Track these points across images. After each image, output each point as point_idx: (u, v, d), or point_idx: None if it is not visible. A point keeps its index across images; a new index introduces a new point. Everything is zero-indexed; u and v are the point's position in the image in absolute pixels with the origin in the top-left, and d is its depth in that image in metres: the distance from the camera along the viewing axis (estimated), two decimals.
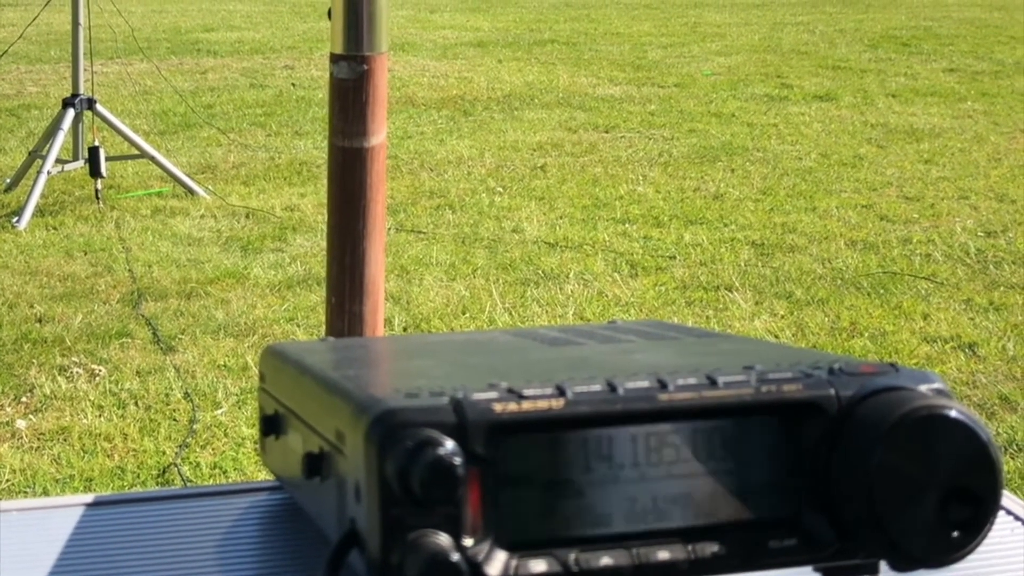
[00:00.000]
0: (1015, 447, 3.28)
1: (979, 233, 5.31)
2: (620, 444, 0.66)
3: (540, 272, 4.74)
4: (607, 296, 4.48)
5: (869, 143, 7.25)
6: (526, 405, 0.65)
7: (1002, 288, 4.58)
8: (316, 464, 0.73)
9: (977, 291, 4.54)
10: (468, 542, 0.63)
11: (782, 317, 4.27)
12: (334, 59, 1.43)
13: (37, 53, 10.57)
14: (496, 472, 0.64)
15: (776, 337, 4.08)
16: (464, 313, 4.29)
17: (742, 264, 4.86)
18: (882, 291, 4.54)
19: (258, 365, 0.89)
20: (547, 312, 4.31)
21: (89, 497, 0.91)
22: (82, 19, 5.89)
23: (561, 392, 0.65)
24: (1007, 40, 11.98)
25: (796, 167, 6.58)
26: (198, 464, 3.21)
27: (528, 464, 0.65)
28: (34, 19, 7.60)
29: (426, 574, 0.61)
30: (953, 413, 0.67)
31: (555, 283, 4.62)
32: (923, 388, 0.69)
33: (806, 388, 0.68)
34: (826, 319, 4.25)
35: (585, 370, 0.72)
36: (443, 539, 0.62)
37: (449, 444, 0.62)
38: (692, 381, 0.67)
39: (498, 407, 0.64)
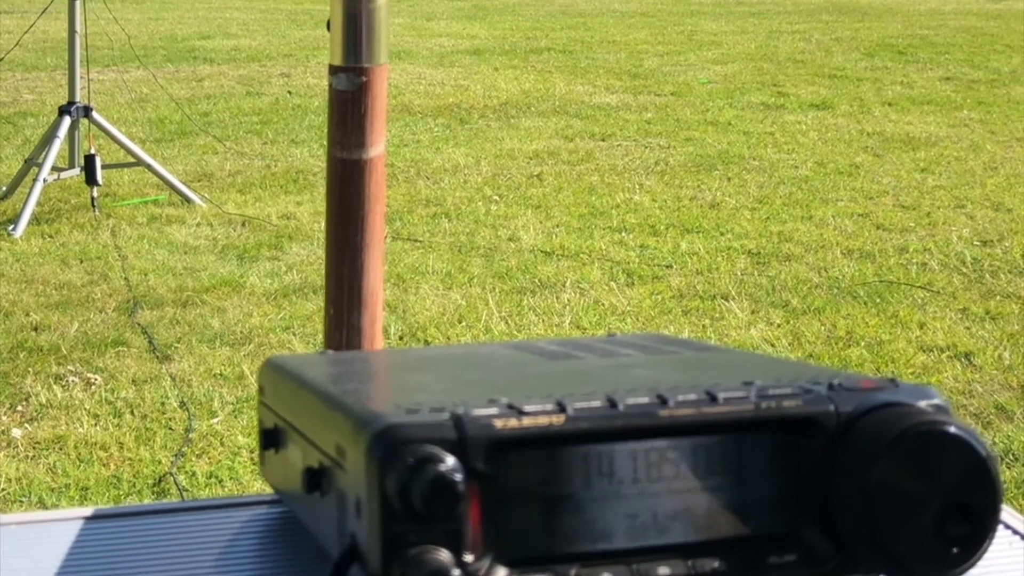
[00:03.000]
0: (1011, 457, 3.29)
1: (975, 242, 5.31)
2: (620, 460, 0.66)
3: (536, 281, 4.75)
4: (603, 305, 4.48)
5: (865, 152, 7.25)
6: (527, 421, 0.65)
7: (998, 297, 4.58)
8: (316, 479, 0.73)
9: (973, 300, 4.54)
10: (469, 558, 0.63)
11: (778, 326, 4.27)
12: (333, 71, 1.43)
13: (33, 61, 10.57)
14: (496, 488, 0.64)
15: (772, 346, 4.08)
16: (460, 322, 4.29)
17: (738, 273, 4.87)
18: (878, 300, 4.54)
19: (257, 378, 0.89)
20: (543, 321, 4.31)
21: (88, 510, 0.91)
22: (78, 27, 5.89)
23: (561, 408, 0.66)
24: (1003, 49, 12.00)
25: (792, 176, 6.58)
26: (194, 473, 3.20)
27: (528, 480, 0.65)
28: (30, 27, 7.60)
29: None
30: (952, 429, 0.67)
31: (551, 292, 4.62)
32: (922, 404, 0.69)
33: (806, 404, 0.68)
34: (822, 328, 4.25)
35: (585, 385, 0.72)
36: (444, 555, 0.62)
37: (450, 460, 0.62)
38: (692, 397, 0.68)
39: (499, 423, 0.64)
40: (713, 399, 0.68)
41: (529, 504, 0.65)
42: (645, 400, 0.67)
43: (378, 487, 0.63)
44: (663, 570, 0.66)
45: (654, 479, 0.67)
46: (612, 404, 0.66)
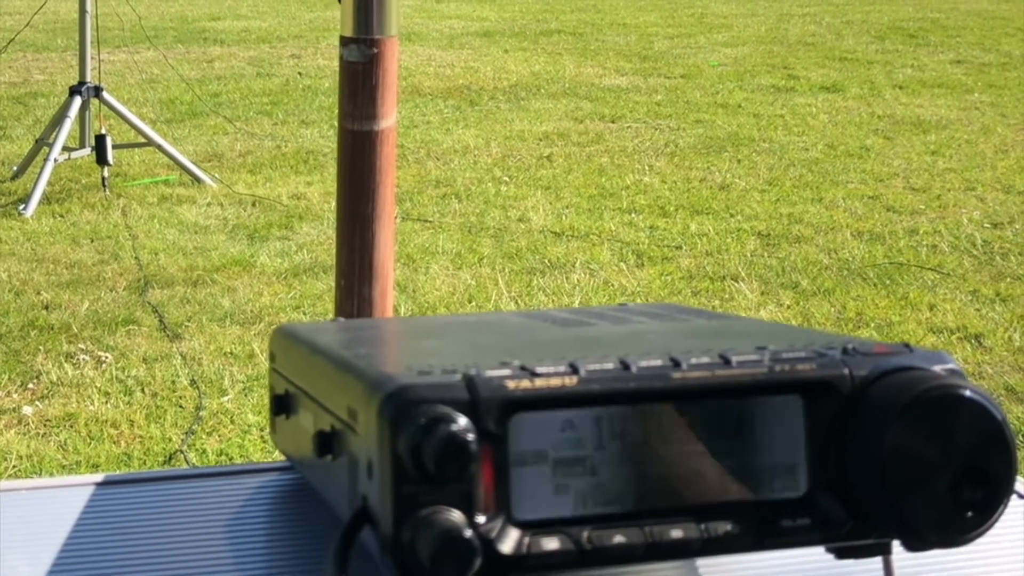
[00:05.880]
0: (1021, 437, 3.28)
1: (985, 224, 5.30)
2: (633, 422, 0.66)
3: (546, 261, 4.74)
4: (613, 285, 4.48)
5: (876, 134, 7.23)
6: (539, 382, 0.64)
7: (1008, 279, 4.57)
8: (327, 442, 0.72)
9: (983, 282, 4.53)
10: (481, 519, 0.63)
11: (788, 307, 4.26)
12: (344, 42, 1.42)
13: (44, 41, 10.56)
14: (509, 449, 0.64)
15: None
16: (470, 302, 4.29)
17: (748, 254, 4.86)
18: (888, 282, 4.53)
19: (269, 345, 0.89)
20: (553, 301, 4.31)
21: (99, 477, 0.91)
22: (89, 7, 5.88)
23: (574, 370, 0.65)
24: (1014, 32, 11.95)
25: (802, 158, 6.57)
26: (204, 451, 3.21)
27: (541, 441, 0.65)
28: (41, 7, 7.60)
29: (439, 551, 0.61)
30: (967, 393, 0.66)
31: (561, 272, 4.61)
32: (937, 368, 0.69)
33: (820, 367, 0.68)
34: (832, 309, 4.25)
35: (598, 349, 0.72)
36: (456, 516, 0.62)
37: (462, 420, 0.62)
38: (705, 360, 0.67)
39: (511, 384, 0.64)
40: (726, 362, 0.67)
41: (541, 466, 0.65)
42: (658, 363, 0.67)
43: (390, 448, 0.62)
44: (675, 533, 0.65)
45: (667, 442, 0.66)
46: (625, 366, 0.66)
